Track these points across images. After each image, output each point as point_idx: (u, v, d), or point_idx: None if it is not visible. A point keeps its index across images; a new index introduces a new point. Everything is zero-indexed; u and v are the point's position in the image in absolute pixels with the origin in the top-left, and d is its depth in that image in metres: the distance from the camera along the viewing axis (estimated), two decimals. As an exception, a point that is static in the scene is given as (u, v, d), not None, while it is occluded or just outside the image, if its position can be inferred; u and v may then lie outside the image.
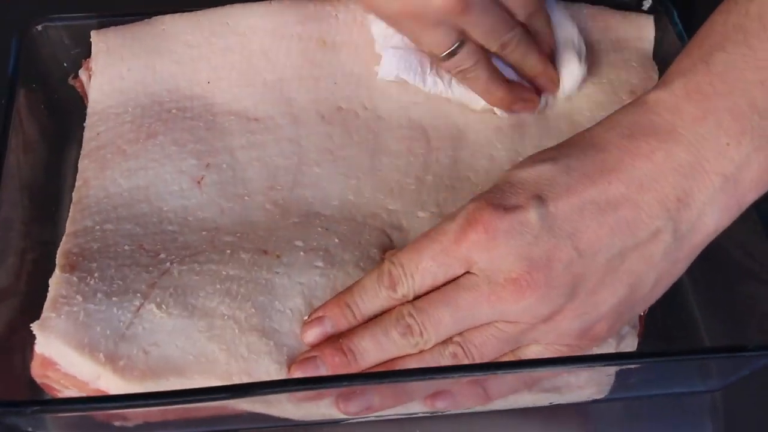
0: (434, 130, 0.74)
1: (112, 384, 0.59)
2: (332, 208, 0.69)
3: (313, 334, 0.59)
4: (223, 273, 0.63)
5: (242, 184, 0.70)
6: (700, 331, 0.69)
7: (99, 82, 0.74)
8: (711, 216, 0.56)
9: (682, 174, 0.55)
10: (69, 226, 0.66)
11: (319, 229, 0.67)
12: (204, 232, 0.67)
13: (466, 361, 0.57)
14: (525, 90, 0.74)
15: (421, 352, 0.58)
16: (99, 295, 0.61)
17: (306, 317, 0.61)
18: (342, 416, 0.61)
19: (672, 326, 0.69)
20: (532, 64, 0.73)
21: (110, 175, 0.69)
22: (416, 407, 0.63)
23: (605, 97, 0.75)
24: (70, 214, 0.67)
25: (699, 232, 0.57)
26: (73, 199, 0.68)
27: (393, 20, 0.71)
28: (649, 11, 0.80)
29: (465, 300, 0.56)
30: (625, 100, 0.74)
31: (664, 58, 0.77)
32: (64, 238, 0.65)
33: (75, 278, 0.62)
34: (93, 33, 0.76)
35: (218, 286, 0.62)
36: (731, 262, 0.67)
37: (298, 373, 0.58)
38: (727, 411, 0.67)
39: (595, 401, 0.66)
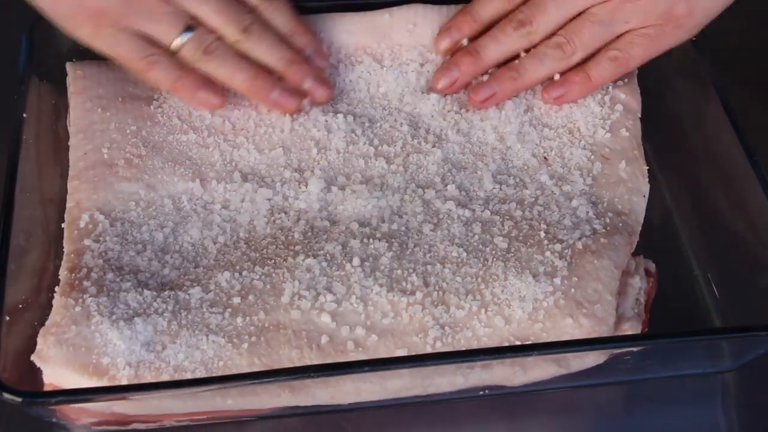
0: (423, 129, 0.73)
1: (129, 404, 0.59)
2: (338, 225, 0.67)
3: (444, 42, 0.74)
4: (215, 288, 0.63)
5: (245, 201, 0.68)
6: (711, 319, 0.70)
7: (80, 100, 0.72)
8: None
9: None
10: (67, 246, 0.65)
11: (325, 239, 0.66)
12: (207, 249, 0.66)
13: (569, 49, 0.71)
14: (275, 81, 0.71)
15: (532, 49, 0.72)
16: (95, 317, 0.60)
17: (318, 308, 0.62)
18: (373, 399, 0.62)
19: (682, 318, 0.71)
20: (281, 55, 0.70)
21: (103, 197, 0.67)
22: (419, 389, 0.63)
23: None
24: (65, 234, 0.65)
25: None
26: (66, 220, 0.66)
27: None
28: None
29: None
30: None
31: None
32: (64, 257, 0.64)
33: (71, 301, 0.61)
34: (68, 64, 0.75)
35: (216, 308, 0.62)
36: (744, 251, 0.68)
37: (439, 78, 0.73)
38: (738, 392, 0.68)
39: (605, 384, 0.67)
